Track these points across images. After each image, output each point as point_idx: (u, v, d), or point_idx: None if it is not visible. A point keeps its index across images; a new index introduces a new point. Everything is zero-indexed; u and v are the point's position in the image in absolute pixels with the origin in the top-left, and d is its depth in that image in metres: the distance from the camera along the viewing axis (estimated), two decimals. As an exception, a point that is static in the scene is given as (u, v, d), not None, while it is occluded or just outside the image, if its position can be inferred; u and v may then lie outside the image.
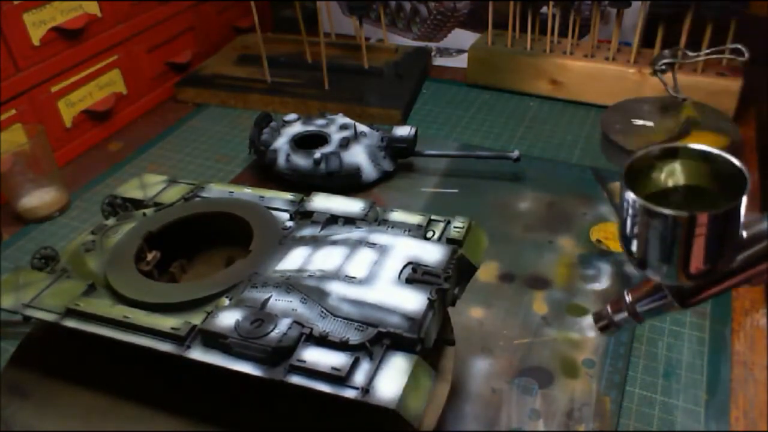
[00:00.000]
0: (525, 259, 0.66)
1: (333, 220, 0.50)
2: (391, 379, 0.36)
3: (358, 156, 0.77)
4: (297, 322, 0.39)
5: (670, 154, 0.32)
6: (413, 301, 0.40)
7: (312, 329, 0.39)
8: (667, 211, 0.28)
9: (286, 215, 0.51)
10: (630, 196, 0.29)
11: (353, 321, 0.39)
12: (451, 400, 0.48)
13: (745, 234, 0.30)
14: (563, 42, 0.96)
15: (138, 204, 0.56)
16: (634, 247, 0.31)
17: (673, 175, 0.32)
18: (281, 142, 0.79)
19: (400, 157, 0.81)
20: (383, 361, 0.37)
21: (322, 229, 0.49)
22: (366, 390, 0.36)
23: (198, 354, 0.39)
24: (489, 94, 0.99)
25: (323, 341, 0.38)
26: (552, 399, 0.51)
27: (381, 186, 0.79)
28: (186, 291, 0.44)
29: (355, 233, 0.47)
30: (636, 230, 0.30)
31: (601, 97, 0.92)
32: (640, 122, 0.80)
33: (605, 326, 0.39)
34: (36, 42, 0.82)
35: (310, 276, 0.43)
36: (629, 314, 0.37)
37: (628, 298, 0.37)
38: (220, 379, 0.41)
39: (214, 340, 0.39)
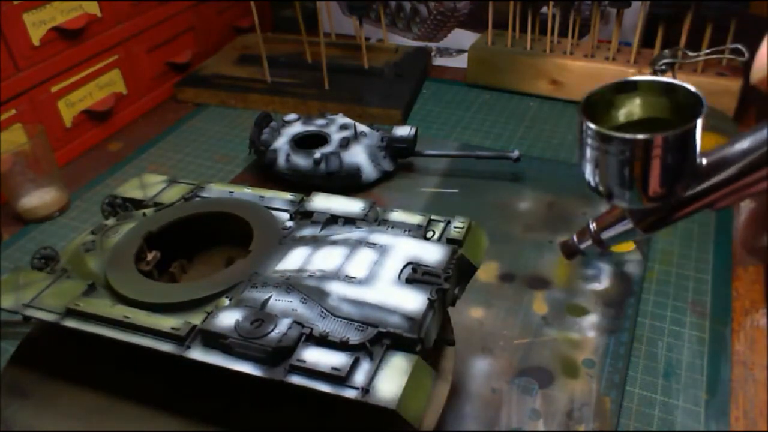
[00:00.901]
0: (525, 259, 0.66)
1: (333, 220, 0.50)
2: (391, 379, 0.36)
3: (358, 156, 0.77)
4: (297, 322, 0.39)
5: (629, 88, 0.32)
6: (413, 301, 0.40)
7: (312, 329, 0.39)
8: (622, 135, 0.28)
9: (286, 215, 0.51)
10: (587, 125, 0.30)
11: (353, 321, 0.39)
12: (451, 400, 0.48)
13: (704, 161, 0.30)
14: (563, 42, 0.96)
15: (138, 204, 0.56)
16: (596, 177, 0.31)
17: (632, 108, 0.32)
18: (281, 142, 0.79)
19: (400, 157, 0.81)
20: (383, 361, 0.37)
21: (322, 229, 0.49)
22: (366, 390, 0.36)
23: (198, 354, 0.39)
24: (489, 94, 0.99)
25: (323, 341, 0.38)
26: (552, 399, 0.51)
27: (381, 186, 0.79)
28: (186, 291, 0.44)
29: (355, 233, 0.47)
30: (596, 160, 0.30)
31: (601, 97, 0.92)
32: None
33: (570, 253, 0.40)
34: (36, 42, 0.82)
35: (310, 276, 0.43)
36: (593, 242, 0.38)
37: (593, 227, 0.38)
38: (220, 379, 0.41)
39: (214, 340, 0.39)
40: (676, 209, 0.32)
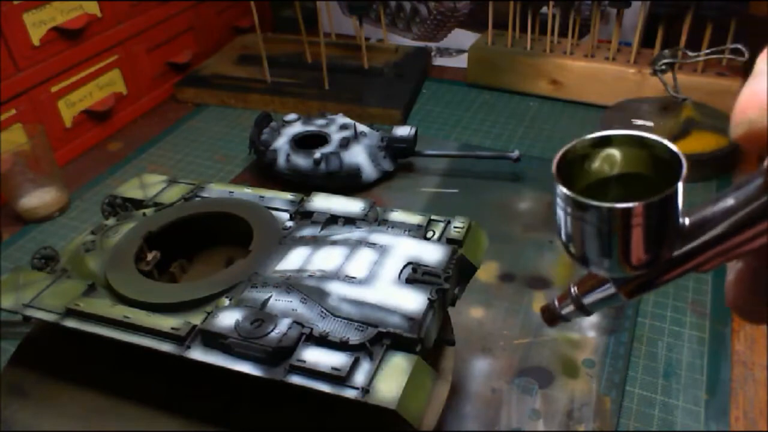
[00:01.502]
0: (525, 259, 0.66)
1: (333, 220, 0.50)
2: (391, 379, 0.36)
3: (358, 156, 0.77)
4: (297, 322, 0.39)
5: (604, 143, 0.30)
6: (413, 301, 0.40)
7: (312, 329, 0.39)
8: (599, 204, 0.26)
9: (286, 215, 0.51)
10: (561, 190, 0.27)
11: (353, 321, 0.39)
12: (451, 400, 0.48)
13: (687, 221, 0.28)
14: (563, 42, 0.96)
15: (138, 204, 0.56)
16: (571, 244, 0.29)
17: (609, 163, 0.30)
18: (281, 142, 0.79)
19: (400, 157, 0.81)
20: (383, 361, 0.37)
21: (322, 229, 0.49)
22: (366, 390, 0.36)
23: (198, 354, 0.39)
24: (489, 94, 0.99)
25: (323, 341, 0.38)
26: (552, 399, 0.51)
27: (381, 186, 0.79)
28: (186, 291, 0.44)
29: (355, 233, 0.47)
30: (571, 226, 0.28)
31: (601, 97, 0.92)
32: (640, 122, 0.80)
33: (552, 319, 0.37)
34: (36, 42, 0.82)
35: (310, 276, 0.43)
36: (576, 308, 0.35)
37: (574, 291, 0.35)
38: (220, 379, 0.41)
39: (214, 340, 0.39)
40: (660, 274, 0.30)
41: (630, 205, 0.26)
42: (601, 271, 0.30)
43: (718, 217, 0.27)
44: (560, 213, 0.28)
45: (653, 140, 0.28)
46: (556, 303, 0.37)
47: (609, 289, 0.33)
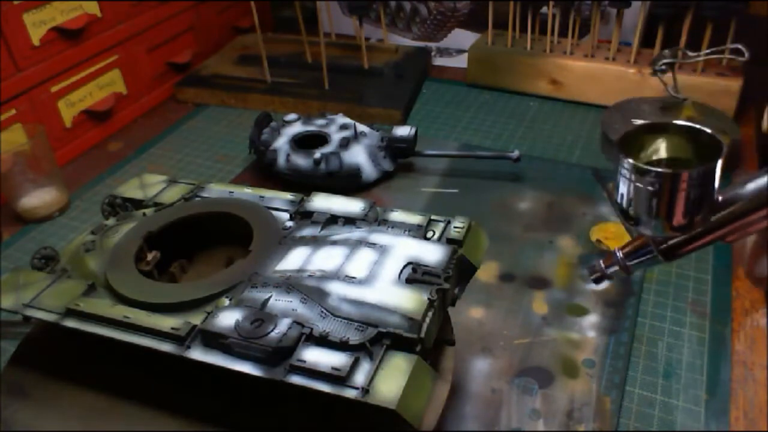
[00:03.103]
0: (525, 259, 0.66)
1: (333, 220, 0.50)
2: (391, 379, 0.36)
3: (358, 156, 0.77)
4: (297, 322, 0.39)
5: (659, 130, 0.37)
6: (413, 301, 0.40)
7: (312, 329, 0.39)
8: (657, 170, 0.34)
9: (286, 215, 0.51)
10: (627, 160, 0.34)
11: (353, 321, 0.39)
12: (451, 400, 0.48)
13: (720, 198, 0.35)
14: (563, 42, 0.96)
15: (138, 204, 0.56)
16: (630, 208, 0.36)
17: (659, 149, 0.37)
18: (281, 142, 0.79)
19: (400, 157, 0.81)
20: (383, 361, 0.37)
21: (322, 229, 0.49)
22: (366, 390, 0.36)
23: (198, 354, 0.39)
24: (489, 94, 0.99)
25: (323, 341, 0.38)
26: (552, 399, 0.51)
27: (381, 186, 0.79)
28: (186, 291, 0.44)
29: (355, 233, 0.47)
30: (630, 190, 0.35)
31: (601, 97, 0.92)
32: (640, 122, 0.80)
33: (599, 278, 0.45)
34: (36, 42, 0.82)
35: (310, 276, 0.43)
36: (620, 268, 0.43)
37: (619, 254, 0.42)
38: (220, 379, 0.41)
39: (214, 340, 0.39)
40: (693, 239, 0.37)
41: (679, 171, 0.33)
42: (648, 231, 0.37)
43: (745, 196, 0.34)
44: (622, 182, 0.36)
45: (702, 130, 0.36)
46: (602, 264, 0.44)
47: (650, 253, 0.40)
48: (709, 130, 0.35)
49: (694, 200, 0.34)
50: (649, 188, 0.34)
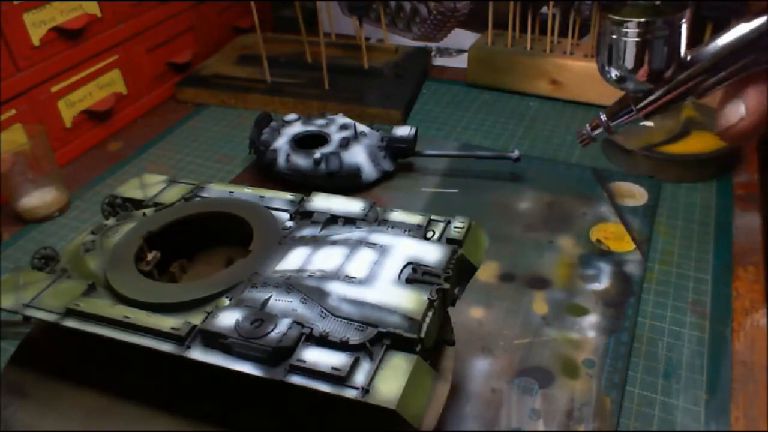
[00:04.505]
0: (525, 259, 0.66)
1: (333, 220, 0.50)
2: (391, 379, 0.36)
3: (358, 156, 0.77)
4: (297, 322, 0.39)
5: (638, 11, 0.42)
6: (413, 301, 0.40)
7: (312, 329, 0.39)
8: (630, 19, 0.40)
9: (286, 215, 0.51)
10: (610, 17, 0.41)
11: (353, 321, 0.39)
12: (451, 400, 0.48)
13: (689, 57, 0.40)
14: (563, 42, 0.96)
15: (138, 204, 0.56)
16: (611, 62, 0.43)
17: (633, 15, 0.42)
18: (281, 142, 0.79)
19: (400, 157, 0.81)
20: (383, 361, 0.37)
21: (322, 229, 0.49)
22: (366, 390, 0.36)
23: (198, 354, 0.39)
24: (489, 94, 0.99)
25: (323, 341, 0.38)
26: (552, 399, 0.51)
27: (381, 186, 0.79)
28: (186, 291, 0.44)
29: (355, 233, 0.47)
30: (613, 45, 0.42)
31: (601, 97, 0.92)
32: (640, 122, 0.80)
33: (586, 140, 0.49)
34: (36, 42, 0.82)
35: (310, 276, 0.43)
36: (604, 128, 0.47)
37: (603, 117, 0.47)
38: (220, 379, 0.41)
39: (214, 340, 0.39)
40: (665, 93, 0.42)
41: (650, 19, 0.39)
42: (630, 83, 0.43)
43: (710, 54, 0.39)
44: (603, 41, 0.43)
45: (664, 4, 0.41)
46: (589, 128, 0.49)
47: (629, 111, 0.45)
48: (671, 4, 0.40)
49: (663, 50, 0.40)
50: (624, 39, 0.41)
